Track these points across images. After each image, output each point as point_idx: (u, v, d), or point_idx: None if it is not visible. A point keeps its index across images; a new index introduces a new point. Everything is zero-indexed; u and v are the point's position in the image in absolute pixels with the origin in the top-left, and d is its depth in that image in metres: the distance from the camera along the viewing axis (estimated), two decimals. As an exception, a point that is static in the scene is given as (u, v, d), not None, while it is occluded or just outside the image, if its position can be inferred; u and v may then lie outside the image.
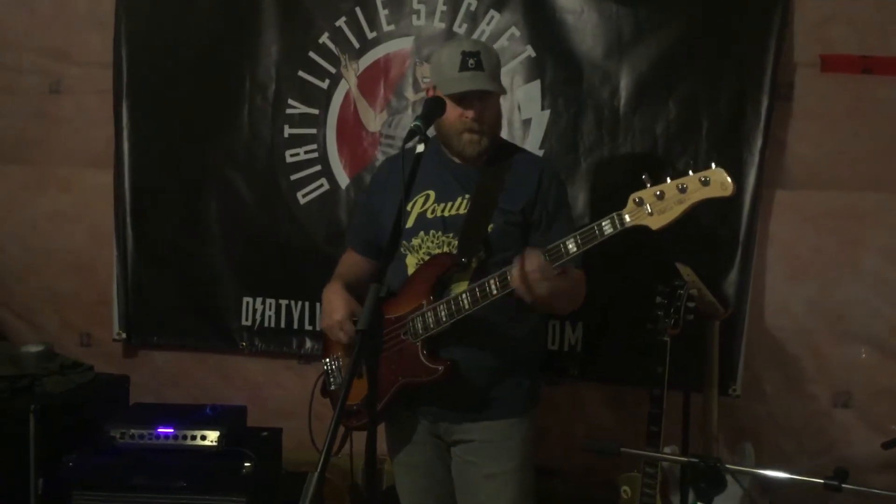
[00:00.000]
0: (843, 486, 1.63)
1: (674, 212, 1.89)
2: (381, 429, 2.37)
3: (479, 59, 2.18)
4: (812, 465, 2.92)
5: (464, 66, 2.18)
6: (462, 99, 2.19)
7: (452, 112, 2.20)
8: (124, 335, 3.46)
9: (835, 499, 1.70)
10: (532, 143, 3.06)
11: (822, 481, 1.63)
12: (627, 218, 1.93)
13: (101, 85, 3.39)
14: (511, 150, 2.39)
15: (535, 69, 3.07)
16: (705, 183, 1.87)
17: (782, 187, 2.98)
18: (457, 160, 2.30)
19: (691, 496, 1.81)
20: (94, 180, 3.46)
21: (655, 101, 2.99)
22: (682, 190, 1.88)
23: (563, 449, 3.04)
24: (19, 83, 3.49)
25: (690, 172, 1.89)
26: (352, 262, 2.50)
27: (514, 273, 2.03)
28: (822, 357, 2.99)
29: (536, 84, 3.07)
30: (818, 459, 2.96)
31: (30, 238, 3.56)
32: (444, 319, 2.13)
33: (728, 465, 1.66)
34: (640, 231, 1.94)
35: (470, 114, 2.19)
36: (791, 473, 1.77)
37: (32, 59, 3.47)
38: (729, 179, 1.86)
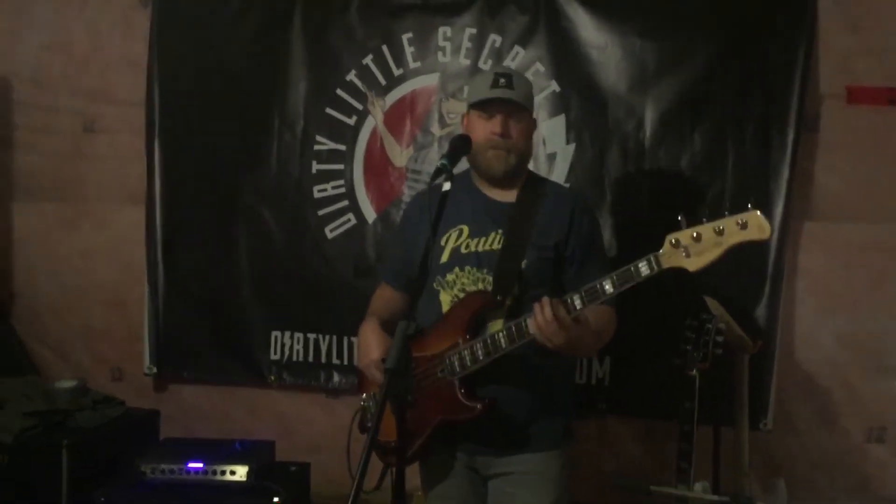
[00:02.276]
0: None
1: (711, 254, 1.89)
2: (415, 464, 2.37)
3: (511, 80, 2.24)
4: (847, 502, 2.87)
5: (495, 84, 2.23)
6: (489, 114, 2.23)
7: (481, 130, 2.24)
8: (155, 370, 3.50)
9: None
10: (557, 176, 3.08)
11: (856, 522, 1.60)
12: (664, 259, 1.93)
13: (134, 124, 3.46)
14: (542, 183, 2.40)
15: (559, 104, 3.10)
16: (743, 226, 1.86)
17: (810, 219, 2.97)
18: (489, 194, 2.32)
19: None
20: (126, 217, 3.53)
21: (680, 134, 3.00)
22: (720, 232, 1.88)
23: (593, 483, 3.01)
24: (55, 123, 3.58)
25: (726, 214, 1.89)
26: (387, 297, 2.51)
27: (531, 323, 2.04)
28: (854, 391, 2.96)
29: (561, 118, 3.10)
30: (852, 496, 2.91)
31: (65, 274, 3.62)
32: (480, 358, 2.14)
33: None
34: (675, 272, 1.94)
35: (496, 127, 2.22)
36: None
37: (68, 99, 3.56)
38: (766, 223, 1.86)
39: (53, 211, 3.63)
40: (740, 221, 1.87)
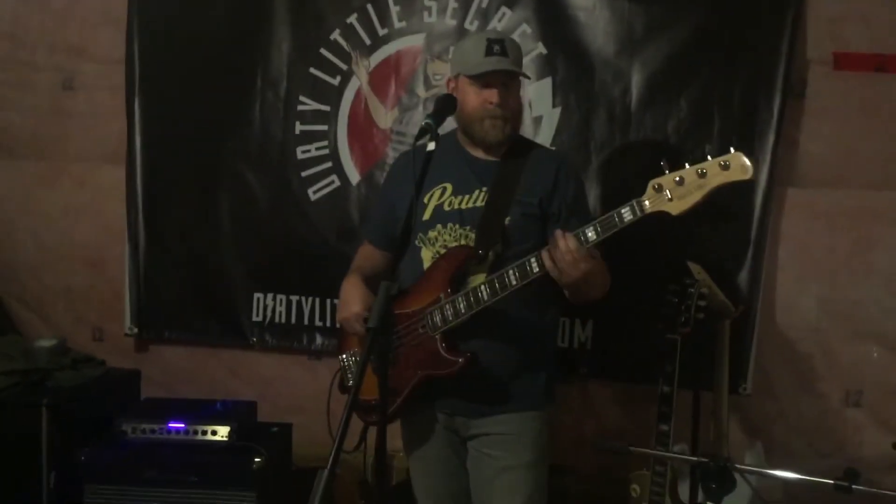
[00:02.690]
0: (854, 486, 1.62)
1: (694, 196, 1.89)
2: (395, 424, 2.38)
3: (504, 46, 2.21)
4: (823, 465, 2.91)
5: (489, 52, 2.20)
6: (486, 84, 2.20)
7: (475, 98, 2.22)
8: (136, 330, 3.48)
9: (845, 500, 1.69)
10: (543, 140, 3.05)
11: (832, 482, 1.62)
12: (647, 204, 1.93)
13: (114, 81, 3.40)
14: (528, 144, 2.40)
15: (546, 66, 3.06)
16: (725, 167, 1.87)
17: (794, 185, 2.97)
18: (474, 153, 2.31)
19: (700, 495, 1.80)
20: (107, 176, 3.48)
21: (667, 98, 2.98)
22: (702, 175, 1.88)
23: (574, 446, 3.04)
24: (33, 80, 3.51)
25: (709, 158, 1.89)
26: (368, 254, 2.51)
27: (547, 255, 2.02)
28: (833, 356, 2.98)
29: (548, 81, 3.07)
30: (829, 459, 2.95)
31: (44, 233, 3.58)
32: (462, 311, 2.14)
33: (738, 465, 1.66)
34: (657, 220, 1.94)
35: (494, 97, 2.20)
36: (801, 474, 1.76)
37: (46, 55, 3.49)
38: (748, 162, 1.86)
39: (32, 169, 3.58)
40: (723, 163, 1.88)
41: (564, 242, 1.98)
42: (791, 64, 2.87)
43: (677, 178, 1.90)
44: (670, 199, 1.91)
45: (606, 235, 1.99)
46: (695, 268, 2.53)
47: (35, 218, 3.59)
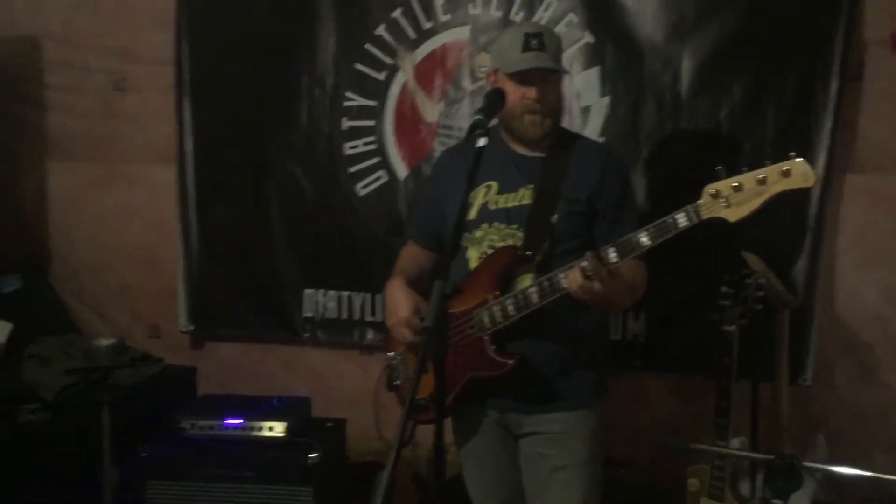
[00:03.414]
0: (925, 484, 1.58)
1: (752, 204, 1.85)
2: (447, 420, 2.37)
3: (542, 40, 2.16)
4: (887, 457, 2.84)
5: (526, 47, 2.15)
6: (524, 80, 2.16)
7: (514, 94, 2.18)
8: (191, 327, 3.53)
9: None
10: (591, 130, 3.02)
11: (903, 480, 1.58)
12: (703, 210, 1.89)
13: (164, 82, 3.45)
14: (573, 138, 2.35)
15: (594, 56, 3.02)
16: (786, 174, 1.81)
17: (853, 170, 2.89)
18: (519, 149, 2.28)
19: (766, 490, 1.76)
20: (158, 176, 3.53)
21: (719, 84, 2.92)
22: (762, 182, 1.83)
23: (629, 440, 3.01)
24: (85, 82, 3.57)
25: (768, 163, 1.84)
26: (413, 255, 2.49)
27: (564, 277, 2.01)
28: (896, 345, 2.91)
29: (596, 71, 3.03)
30: (892, 450, 2.88)
31: (99, 233, 3.65)
32: (512, 313, 2.12)
33: (805, 463, 1.62)
34: (713, 223, 1.89)
35: (532, 93, 2.16)
36: (867, 468, 1.72)
37: (97, 58, 3.54)
38: (811, 170, 1.81)
39: (86, 170, 3.65)
40: (784, 169, 1.82)
41: (577, 268, 1.97)
42: (848, 45, 2.79)
43: (735, 184, 1.85)
44: (727, 206, 1.86)
45: (660, 240, 1.94)
46: (751, 258, 2.48)
47: (91, 218, 3.66)
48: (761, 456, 1.71)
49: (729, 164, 1.87)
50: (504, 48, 2.22)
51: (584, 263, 1.97)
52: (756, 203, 1.84)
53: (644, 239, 1.96)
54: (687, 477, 2.63)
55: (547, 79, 2.18)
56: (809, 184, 1.82)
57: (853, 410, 2.95)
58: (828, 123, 2.81)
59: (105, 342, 3.22)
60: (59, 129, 3.64)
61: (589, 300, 2.01)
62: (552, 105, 2.21)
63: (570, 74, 3.00)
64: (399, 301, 2.28)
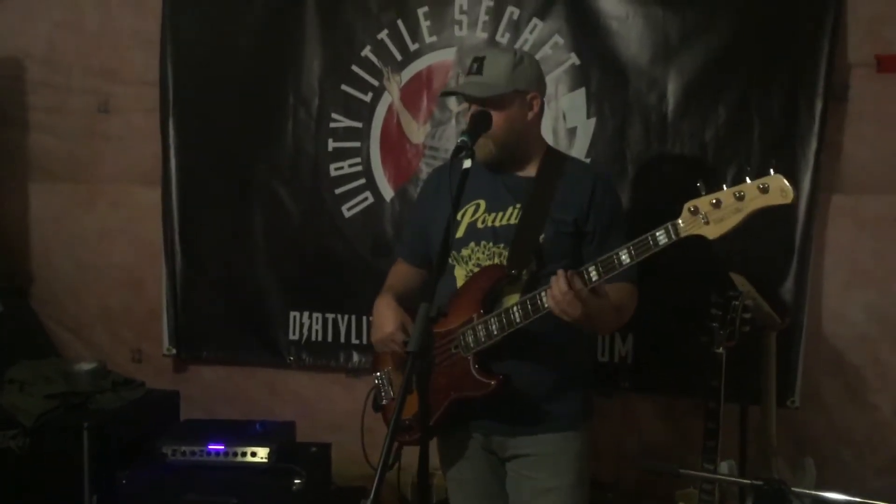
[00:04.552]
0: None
1: (731, 220, 1.83)
2: (432, 443, 2.34)
3: (482, 64, 2.16)
4: (877, 480, 2.83)
5: (469, 72, 2.19)
6: (470, 104, 2.19)
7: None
8: (174, 350, 3.49)
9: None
10: (577, 151, 3.02)
11: (893, 506, 1.56)
12: (682, 227, 1.88)
13: (149, 103, 3.43)
14: (562, 158, 2.34)
15: (579, 77, 3.02)
16: (764, 190, 1.80)
17: (839, 191, 2.90)
18: (508, 169, 2.27)
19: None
20: (142, 197, 3.50)
21: (704, 105, 2.93)
22: (740, 198, 1.82)
23: (616, 462, 2.99)
24: (69, 103, 3.55)
25: (748, 179, 1.83)
26: (402, 272, 2.48)
27: (548, 295, 2.00)
28: (883, 366, 2.90)
29: (581, 92, 3.03)
30: (883, 473, 2.87)
31: (81, 255, 3.61)
32: (495, 333, 2.10)
33: (794, 489, 1.60)
34: (695, 241, 1.88)
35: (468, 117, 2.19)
36: (858, 493, 1.70)
37: (81, 78, 3.52)
38: (789, 186, 1.79)
39: (69, 191, 3.61)
40: (762, 185, 1.80)
41: (557, 285, 1.95)
42: (832, 67, 2.80)
43: (714, 201, 1.84)
44: (707, 223, 1.85)
45: (641, 258, 1.93)
46: (738, 279, 2.47)
47: (72, 240, 3.62)
48: (749, 482, 1.68)
49: (714, 184, 1.86)
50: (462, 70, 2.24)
51: (560, 280, 1.95)
52: (735, 220, 1.83)
53: (624, 257, 1.94)
54: (675, 501, 2.60)
55: (494, 101, 2.15)
56: (788, 200, 1.80)
57: (842, 433, 2.94)
58: (813, 144, 2.82)
59: (86, 366, 3.17)
60: (41, 149, 3.61)
61: (571, 319, 1.99)
62: (493, 131, 2.15)
63: (554, 96, 2.99)
64: (386, 317, 2.27)
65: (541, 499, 2.22)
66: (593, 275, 1.98)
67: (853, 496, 1.66)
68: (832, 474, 2.79)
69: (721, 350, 2.38)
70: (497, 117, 2.17)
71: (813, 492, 1.74)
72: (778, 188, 1.80)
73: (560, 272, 1.97)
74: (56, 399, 2.96)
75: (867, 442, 2.92)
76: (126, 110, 3.51)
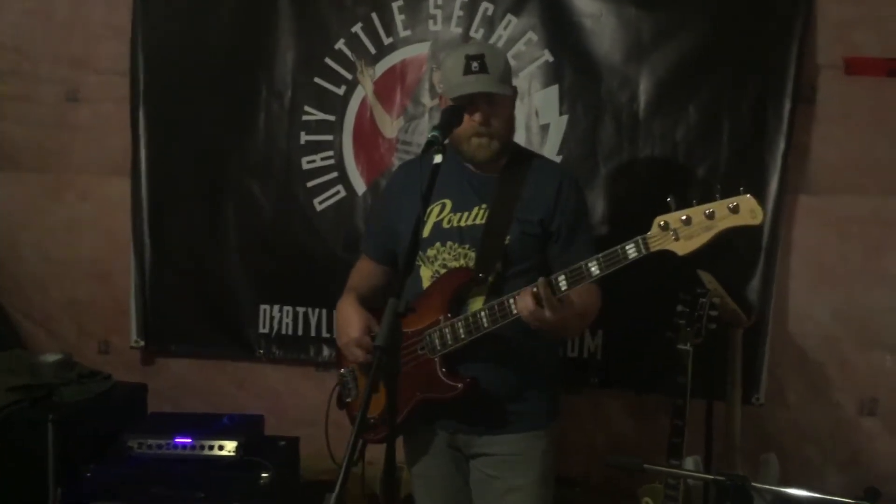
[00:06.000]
0: (874, 505, 1.59)
1: (700, 238, 1.84)
2: (398, 439, 2.34)
3: (483, 62, 2.14)
4: (839, 478, 2.88)
5: (467, 70, 2.14)
6: (469, 103, 2.13)
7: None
8: (142, 343, 3.45)
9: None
10: (550, 148, 3.03)
11: (852, 502, 1.59)
12: (652, 242, 1.88)
13: (118, 93, 3.38)
14: (528, 157, 2.34)
15: (552, 74, 3.03)
16: (734, 210, 1.81)
17: (806, 192, 2.94)
18: (473, 168, 2.27)
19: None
20: (111, 188, 3.46)
21: (675, 105, 2.95)
22: (710, 216, 1.83)
23: (584, 458, 3.01)
24: (37, 92, 3.49)
25: (718, 197, 1.84)
26: (366, 270, 2.46)
27: (518, 304, 2.00)
28: (847, 364, 2.95)
29: (554, 89, 3.04)
30: (845, 470, 2.91)
31: (48, 246, 3.56)
32: (462, 336, 2.10)
33: (755, 484, 1.62)
34: (663, 254, 1.90)
35: (477, 117, 2.14)
36: (818, 488, 1.73)
37: (49, 67, 3.46)
38: (759, 207, 1.80)
39: (37, 181, 3.55)
40: (732, 205, 1.82)
41: (524, 301, 1.97)
42: (801, 69, 2.84)
43: (684, 217, 1.85)
44: (676, 239, 1.86)
45: (609, 271, 1.94)
46: (706, 276, 2.50)
47: (39, 231, 3.57)
48: (711, 477, 1.71)
49: (684, 184, 1.87)
50: (447, 72, 2.20)
51: (535, 289, 1.96)
52: (705, 238, 1.84)
53: (594, 268, 1.95)
54: (640, 496, 2.63)
55: (492, 101, 2.15)
56: (757, 221, 1.80)
57: (805, 430, 2.99)
58: (781, 145, 2.86)
59: (51, 358, 3.12)
60: (9, 139, 3.54)
61: (539, 326, 2.00)
62: (499, 127, 2.18)
63: (527, 93, 3.01)
64: (350, 320, 2.25)
65: (505, 498, 2.23)
66: (563, 285, 1.98)
67: (814, 492, 1.68)
68: (795, 470, 2.83)
69: (688, 347, 2.40)
70: (501, 115, 2.18)
71: (774, 487, 1.76)
72: (748, 209, 1.82)
73: (527, 289, 1.98)
74: (19, 391, 2.92)
75: (830, 438, 2.96)
76: (96, 100, 3.45)
